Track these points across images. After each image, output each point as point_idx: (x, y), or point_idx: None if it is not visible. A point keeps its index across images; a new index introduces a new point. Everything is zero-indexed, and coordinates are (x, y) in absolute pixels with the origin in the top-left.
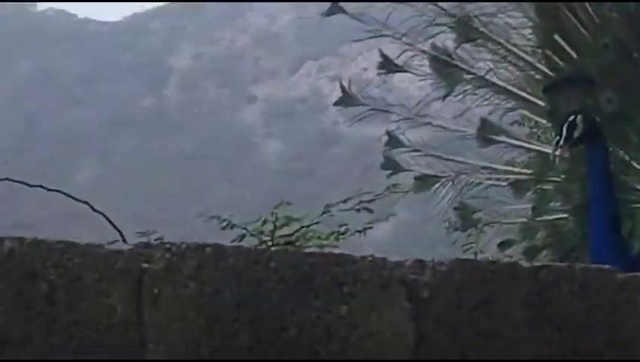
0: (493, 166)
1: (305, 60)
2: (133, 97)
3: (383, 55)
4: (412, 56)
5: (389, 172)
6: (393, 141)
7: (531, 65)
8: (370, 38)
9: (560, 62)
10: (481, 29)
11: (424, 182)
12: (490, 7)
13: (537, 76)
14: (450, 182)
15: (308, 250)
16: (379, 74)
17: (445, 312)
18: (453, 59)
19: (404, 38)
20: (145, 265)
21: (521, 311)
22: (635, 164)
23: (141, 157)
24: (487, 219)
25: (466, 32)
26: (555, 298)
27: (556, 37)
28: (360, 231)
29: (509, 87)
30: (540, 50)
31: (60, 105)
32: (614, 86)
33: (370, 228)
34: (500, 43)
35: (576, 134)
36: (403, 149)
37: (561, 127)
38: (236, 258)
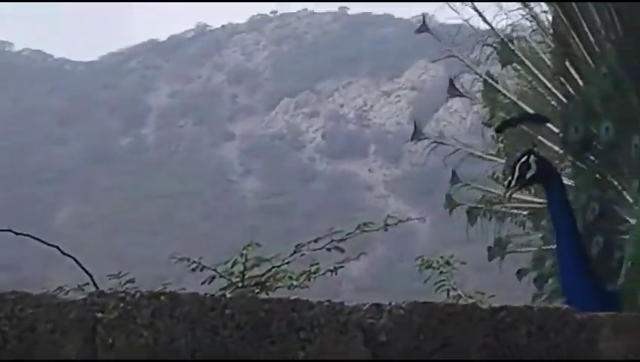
0: (518, 196)
1: (282, 97)
2: (111, 135)
3: (450, 80)
4: (473, 81)
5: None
6: (454, 178)
7: (550, 91)
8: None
9: (570, 90)
10: (517, 51)
11: (471, 214)
12: (522, 30)
13: (553, 102)
14: (489, 214)
15: (264, 296)
16: (447, 98)
17: (403, 356)
18: (497, 82)
19: (466, 60)
20: (99, 315)
21: (480, 354)
22: (626, 195)
23: (120, 195)
24: (511, 248)
25: (507, 53)
26: (513, 339)
27: (567, 63)
28: (331, 271)
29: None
30: (555, 76)
31: (39, 143)
32: (611, 115)
33: (342, 266)
34: (528, 67)
35: (530, 174)
36: (459, 185)
37: (514, 167)
38: (192, 305)
